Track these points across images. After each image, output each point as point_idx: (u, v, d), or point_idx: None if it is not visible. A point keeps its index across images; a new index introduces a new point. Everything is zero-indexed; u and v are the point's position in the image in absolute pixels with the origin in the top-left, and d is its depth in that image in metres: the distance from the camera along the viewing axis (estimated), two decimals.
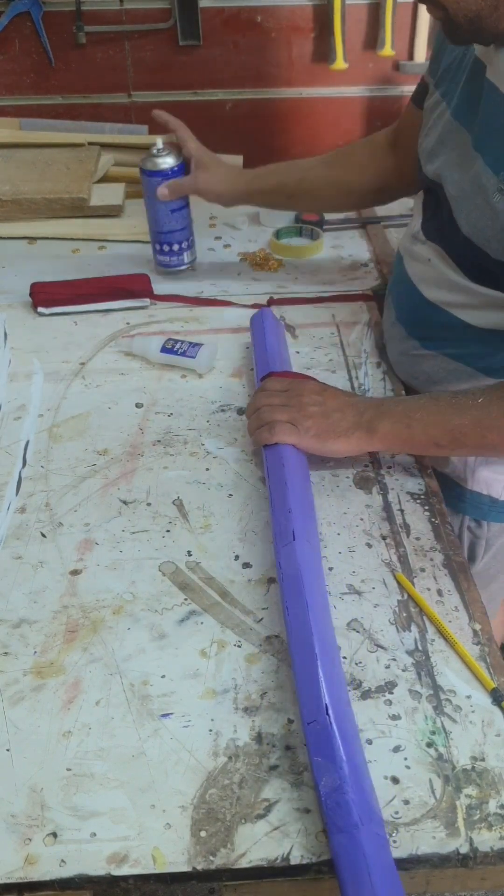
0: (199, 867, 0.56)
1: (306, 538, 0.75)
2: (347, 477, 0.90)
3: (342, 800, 0.55)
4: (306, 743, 0.60)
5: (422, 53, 1.62)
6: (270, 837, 0.58)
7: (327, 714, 0.60)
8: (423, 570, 0.79)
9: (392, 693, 0.67)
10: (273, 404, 0.88)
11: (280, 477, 0.82)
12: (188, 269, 1.32)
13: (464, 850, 0.57)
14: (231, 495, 0.88)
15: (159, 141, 1.25)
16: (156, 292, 1.26)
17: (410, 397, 0.90)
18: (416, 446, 0.87)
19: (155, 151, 1.24)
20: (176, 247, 1.30)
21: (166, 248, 1.30)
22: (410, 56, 1.62)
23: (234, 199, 1.21)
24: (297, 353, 1.11)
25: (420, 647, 0.71)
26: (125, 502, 0.88)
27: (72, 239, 1.46)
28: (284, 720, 0.65)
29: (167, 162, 1.23)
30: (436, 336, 0.98)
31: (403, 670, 0.69)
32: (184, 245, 1.31)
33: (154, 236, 1.31)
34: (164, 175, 1.23)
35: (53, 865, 0.57)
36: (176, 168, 1.24)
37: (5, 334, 1.19)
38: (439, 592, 0.76)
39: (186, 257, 1.32)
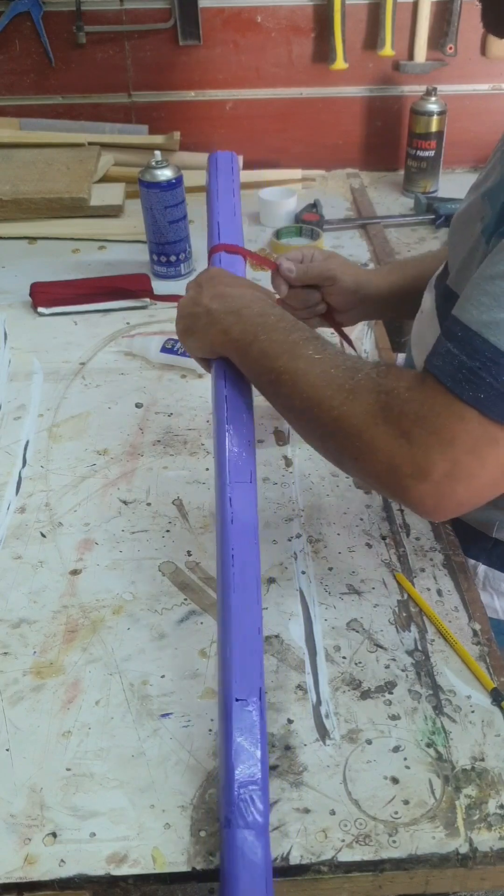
0: (198, 867, 0.56)
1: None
2: (347, 477, 0.90)
3: (255, 795, 0.53)
4: (224, 718, 0.56)
5: (422, 53, 1.61)
6: (270, 837, 0.58)
7: (260, 698, 0.56)
8: (423, 570, 0.79)
9: (392, 693, 0.67)
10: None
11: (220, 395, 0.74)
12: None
13: (463, 850, 0.57)
14: None
15: (157, 153, 1.26)
16: (156, 292, 1.26)
17: (283, 318, 0.71)
18: (249, 371, 0.72)
19: (153, 163, 1.24)
20: (173, 258, 1.31)
21: (164, 259, 1.31)
22: (410, 56, 1.62)
23: (376, 287, 0.94)
24: None
25: (420, 647, 0.71)
26: (125, 502, 0.88)
27: (72, 239, 1.46)
28: (284, 720, 0.65)
29: (165, 174, 1.24)
30: None
31: (403, 670, 0.69)
32: (181, 256, 1.31)
33: (152, 247, 1.31)
34: (163, 187, 1.23)
35: (53, 865, 0.57)
36: (174, 180, 1.24)
37: (5, 334, 1.19)
38: (439, 592, 0.76)
39: (184, 268, 1.33)
